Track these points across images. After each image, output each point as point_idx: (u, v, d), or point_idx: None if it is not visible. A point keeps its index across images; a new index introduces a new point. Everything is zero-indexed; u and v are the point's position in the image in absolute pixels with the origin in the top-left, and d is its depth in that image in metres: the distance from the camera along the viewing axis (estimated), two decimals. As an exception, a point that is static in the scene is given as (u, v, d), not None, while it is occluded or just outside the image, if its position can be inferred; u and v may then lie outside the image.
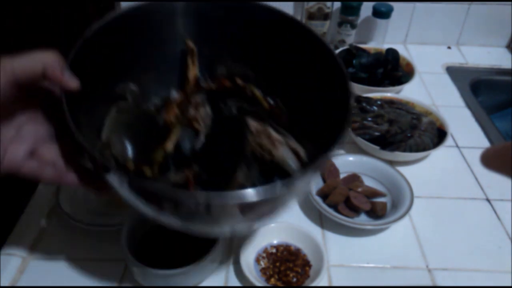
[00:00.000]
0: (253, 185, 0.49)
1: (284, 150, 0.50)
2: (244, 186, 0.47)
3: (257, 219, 0.45)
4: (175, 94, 0.56)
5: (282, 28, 0.51)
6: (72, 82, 0.39)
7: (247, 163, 0.49)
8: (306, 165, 0.50)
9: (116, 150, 0.46)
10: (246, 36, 0.53)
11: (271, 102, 0.55)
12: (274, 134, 0.52)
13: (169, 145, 0.49)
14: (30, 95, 0.42)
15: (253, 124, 0.52)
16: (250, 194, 0.36)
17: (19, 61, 0.38)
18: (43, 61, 0.38)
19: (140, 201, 0.39)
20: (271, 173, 0.50)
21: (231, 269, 0.59)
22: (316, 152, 0.49)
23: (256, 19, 0.52)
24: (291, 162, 0.50)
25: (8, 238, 0.62)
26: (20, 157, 0.42)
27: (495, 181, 0.73)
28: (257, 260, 0.59)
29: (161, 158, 0.48)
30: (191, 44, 0.54)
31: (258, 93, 0.55)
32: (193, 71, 0.55)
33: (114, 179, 0.38)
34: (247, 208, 0.39)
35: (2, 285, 0.56)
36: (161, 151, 0.48)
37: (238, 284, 0.57)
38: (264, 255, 0.60)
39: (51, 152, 0.43)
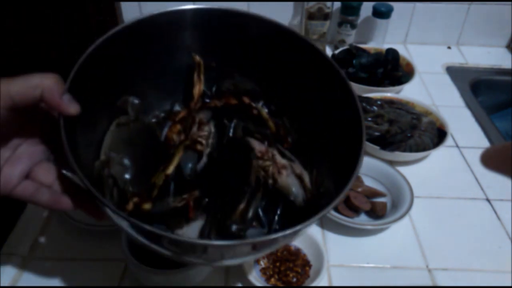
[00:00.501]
0: (255, 213, 0.48)
1: (289, 177, 0.49)
2: (246, 214, 0.47)
3: (256, 257, 0.45)
4: (178, 108, 0.55)
5: (286, 41, 0.50)
6: (71, 108, 0.38)
7: (250, 189, 0.48)
8: (310, 193, 0.49)
9: (115, 170, 0.45)
10: (252, 50, 0.52)
11: (278, 121, 0.54)
12: (279, 158, 0.51)
13: (170, 169, 0.47)
14: (28, 117, 0.41)
15: (258, 146, 0.51)
16: (250, 242, 0.36)
17: (16, 85, 0.37)
18: (41, 86, 0.37)
19: (137, 236, 0.39)
20: (275, 198, 0.50)
21: (231, 269, 0.59)
22: (323, 179, 0.49)
23: (261, 32, 0.51)
24: (295, 189, 0.49)
25: (8, 238, 0.62)
26: (15, 178, 0.40)
27: (495, 181, 0.73)
28: (257, 260, 0.59)
29: (161, 182, 0.46)
30: (197, 58, 0.53)
31: (264, 113, 0.54)
32: (199, 87, 0.53)
33: (111, 215, 0.38)
34: (245, 251, 0.39)
35: (2, 285, 0.56)
36: (162, 175, 0.46)
37: (238, 284, 0.57)
38: (264, 255, 0.60)
39: (47, 175, 0.42)
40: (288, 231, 0.37)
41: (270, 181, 0.49)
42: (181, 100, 0.55)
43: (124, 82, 0.49)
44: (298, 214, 0.37)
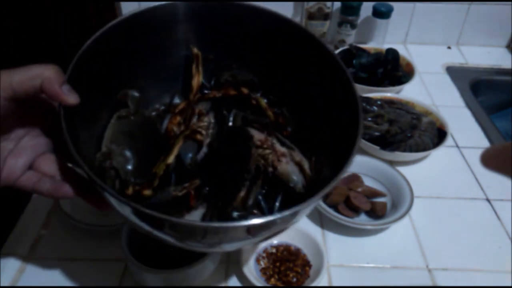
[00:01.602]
0: (256, 200, 0.48)
1: (288, 164, 0.50)
2: (246, 201, 0.47)
3: (254, 241, 0.45)
4: (178, 101, 0.55)
5: (287, 34, 0.51)
6: (71, 97, 0.39)
7: (250, 176, 0.48)
8: (310, 180, 0.49)
9: (117, 161, 0.45)
10: (251, 42, 0.52)
11: (277, 111, 0.55)
12: (278, 146, 0.51)
13: (171, 158, 0.48)
14: (29, 108, 0.41)
15: (257, 135, 0.52)
16: (249, 223, 0.36)
17: (17, 76, 0.38)
18: (41, 76, 0.38)
19: (137, 221, 0.39)
20: (275, 186, 0.50)
21: (231, 269, 0.59)
22: (322, 166, 0.49)
23: (261, 24, 0.51)
24: (295, 176, 0.49)
25: (8, 238, 0.62)
26: (19, 170, 0.41)
27: (495, 181, 0.73)
28: (257, 260, 0.59)
29: (162, 171, 0.47)
30: (195, 50, 0.53)
31: (263, 102, 0.54)
32: (197, 79, 0.54)
33: (112, 201, 0.38)
34: (245, 234, 0.39)
35: (2, 285, 0.56)
36: (162, 164, 0.47)
37: (238, 284, 0.57)
38: (264, 255, 0.60)
39: (49, 165, 0.43)
40: (285, 213, 0.37)
41: (270, 169, 0.50)
42: (180, 92, 0.56)
43: (124, 76, 0.50)
44: (298, 201, 0.38)
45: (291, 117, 0.54)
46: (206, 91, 0.56)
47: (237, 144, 0.51)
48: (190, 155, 0.50)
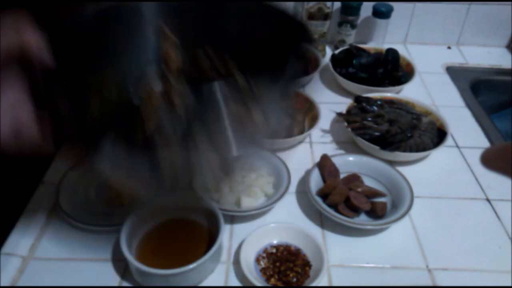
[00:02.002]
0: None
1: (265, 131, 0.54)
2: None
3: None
4: (157, 83, 0.57)
5: (256, 11, 0.53)
6: (50, 62, 0.40)
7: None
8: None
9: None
10: (225, 23, 0.55)
11: (253, 87, 0.57)
12: (256, 116, 0.54)
13: (150, 126, 0.50)
14: (8, 70, 0.42)
15: (235, 109, 0.54)
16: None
17: None
18: (21, 39, 0.38)
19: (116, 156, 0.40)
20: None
21: (231, 269, 0.59)
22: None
23: (233, 6, 0.54)
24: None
25: (8, 238, 0.62)
26: (5, 133, 0.41)
27: (495, 181, 0.74)
28: (257, 260, 0.59)
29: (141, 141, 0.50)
30: (172, 36, 0.55)
31: (241, 79, 0.57)
32: (176, 62, 0.56)
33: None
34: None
35: (2, 285, 0.56)
36: (142, 132, 0.50)
37: (238, 284, 0.57)
38: (264, 255, 0.60)
39: (27, 114, 0.43)
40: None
41: (249, 137, 0.53)
42: (160, 74, 0.58)
43: (103, 58, 0.51)
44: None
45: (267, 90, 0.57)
46: (184, 73, 0.58)
47: (216, 116, 0.55)
48: (169, 127, 0.53)
